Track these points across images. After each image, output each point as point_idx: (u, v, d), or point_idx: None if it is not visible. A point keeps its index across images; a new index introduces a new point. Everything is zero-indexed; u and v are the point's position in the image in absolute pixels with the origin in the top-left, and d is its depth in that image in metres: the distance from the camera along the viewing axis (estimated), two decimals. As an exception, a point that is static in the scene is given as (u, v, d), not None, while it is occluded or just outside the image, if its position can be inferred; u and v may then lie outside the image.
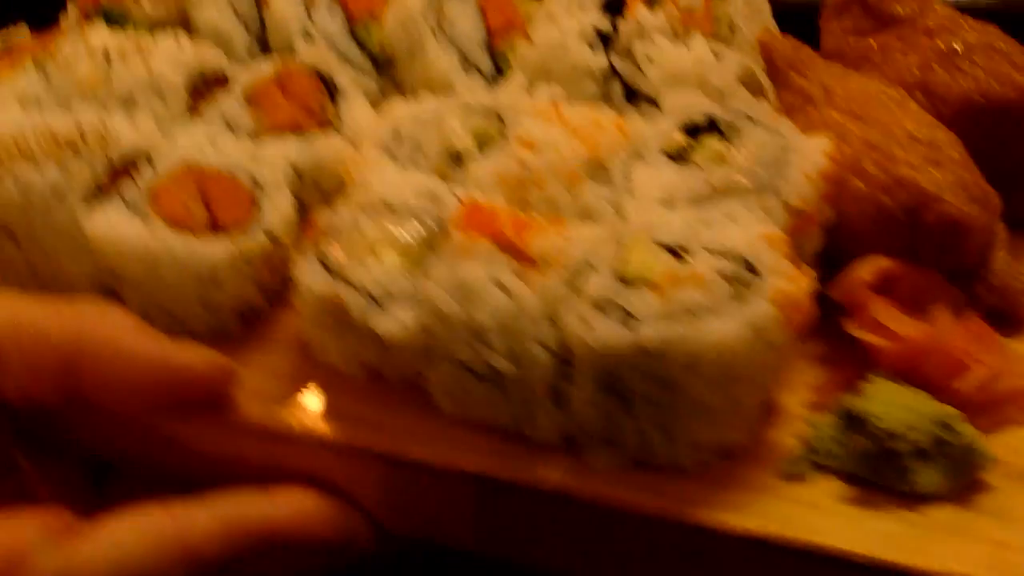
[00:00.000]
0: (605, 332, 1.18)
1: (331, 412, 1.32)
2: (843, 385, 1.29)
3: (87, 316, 1.22)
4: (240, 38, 1.60)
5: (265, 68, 1.52)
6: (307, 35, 1.58)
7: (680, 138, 1.35)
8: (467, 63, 1.52)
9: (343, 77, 1.51)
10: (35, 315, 1.21)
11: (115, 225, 1.35)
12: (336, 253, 1.30)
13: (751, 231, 1.24)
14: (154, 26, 1.62)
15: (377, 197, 1.34)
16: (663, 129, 1.37)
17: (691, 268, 1.21)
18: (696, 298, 1.19)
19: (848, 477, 1.23)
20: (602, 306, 1.20)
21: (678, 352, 1.16)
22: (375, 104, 1.53)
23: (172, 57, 1.49)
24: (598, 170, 1.33)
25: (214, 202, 1.37)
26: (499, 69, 1.52)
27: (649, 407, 1.21)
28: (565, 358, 1.22)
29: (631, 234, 1.26)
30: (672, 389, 1.19)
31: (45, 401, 1.23)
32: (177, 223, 1.35)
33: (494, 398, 1.26)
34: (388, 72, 1.57)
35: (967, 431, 1.20)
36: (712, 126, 1.36)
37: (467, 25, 1.54)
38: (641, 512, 1.21)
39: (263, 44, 1.61)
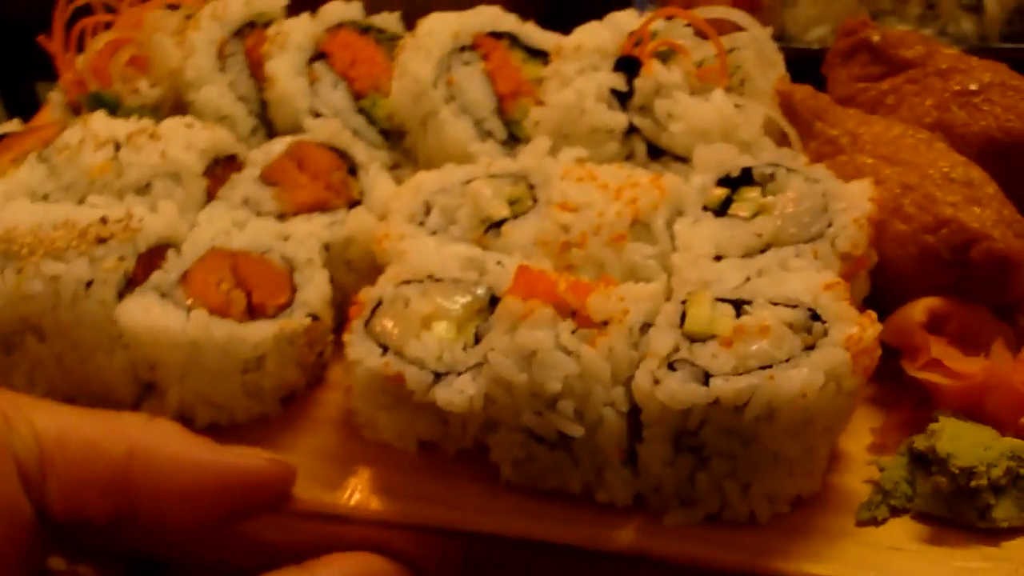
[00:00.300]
0: (679, 389, 1.18)
1: (388, 490, 1.30)
2: (902, 427, 1.30)
3: (137, 427, 1.17)
4: (243, 119, 1.58)
5: (277, 147, 1.51)
6: (314, 112, 1.56)
7: (719, 192, 1.36)
8: (481, 131, 1.51)
9: (360, 151, 1.50)
10: (83, 427, 1.16)
11: (151, 315, 1.32)
12: (388, 329, 1.29)
13: (810, 279, 1.25)
14: (147, 109, 1.60)
15: (422, 270, 1.33)
16: (700, 183, 1.38)
17: (757, 320, 1.21)
18: (767, 349, 1.19)
19: (922, 517, 1.24)
20: (672, 364, 1.20)
21: (756, 403, 1.17)
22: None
23: (185, 141, 1.48)
24: (640, 228, 1.33)
25: (250, 285, 1.35)
26: (512, 135, 1.52)
27: (725, 462, 1.21)
28: (636, 419, 1.22)
29: (689, 290, 1.27)
30: (749, 442, 1.19)
31: (92, 516, 1.18)
32: (215, 309, 1.33)
33: (563, 464, 1.25)
34: (397, 144, 1.56)
35: (1042, 463, 1.21)
36: (747, 178, 1.37)
37: (478, 93, 1.54)
38: (719, 568, 1.21)
39: (265, 123, 1.59)
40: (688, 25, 1.52)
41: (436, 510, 1.28)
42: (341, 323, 1.38)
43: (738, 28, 1.51)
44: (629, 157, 1.47)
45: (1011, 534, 1.21)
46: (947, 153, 1.38)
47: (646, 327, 1.25)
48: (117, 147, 1.47)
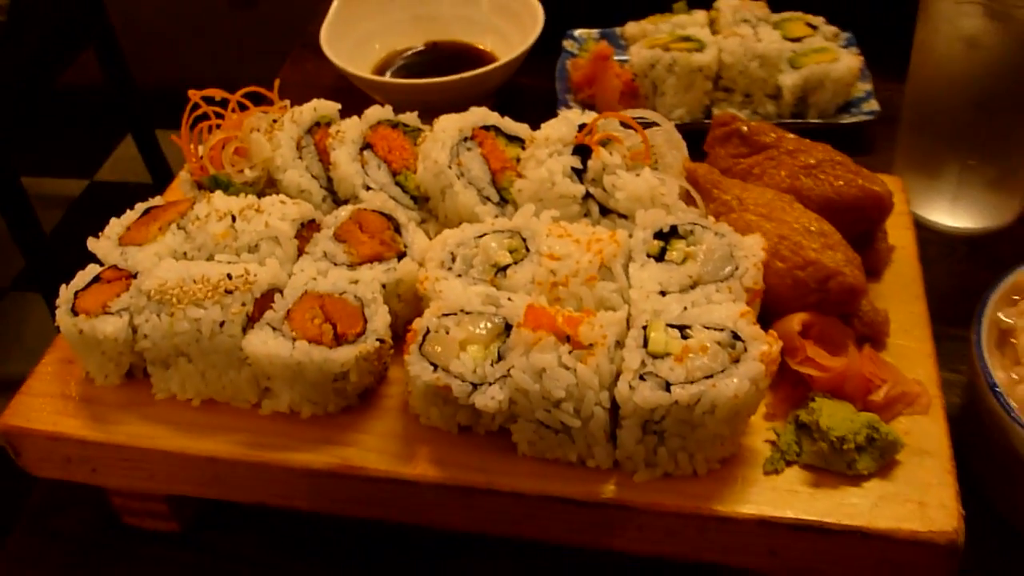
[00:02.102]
0: (649, 395, 0.99)
1: (438, 460, 1.09)
2: (785, 400, 1.12)
3: None
4: (316, 192, 1.33)
5: (343, 213, 1.26)
6: (365, 186, 1.31)
7: (656, 243, 1.15)
8: (482, 197, 1.28)
9: (401, 215, 1.25)
10: None
11: (267, 345, 1.09)
12: (436, 351, 1.06)
13: (729, 309, 1.05)
14: (248, 186, 1.34)
15: (455, 305, 1.10)
16: (642, 237, 1.17)
17: (698, 341, 1.01)
18: (707, 363, 1.01)
19: (807, 467, 1.06)
20: (642, 375, 1.00)
21: (703, 403, 0.99)
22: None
23: (281, 213, 1.23)
24: (604, 270, 1.12)
25: (334, 319, 1.12)
26: (503, 199, 1.29)
27: (678, 440, 1.02)
28: (616, 413, 1.02)
29: (646, 319, 1.06)
30: (696, 427, 1.01)
31: None
32: (312, 338, 1.10)
33: (564, 443, 1.05)
34: (424, 206, 1.32)
35: (887, 429, 1.04)
36: (674, 232, 1.16)
37: (478, 169, 1.30)
38: (674, 510, 1.03)
39: (332, 194, 1.33)
40: (620, 122, 1.28)
41: (473, 475, 1.07)
42: (395, 338, 1.16)
43: (654, 123, 1.28)
44: (586, 215, 1.24)
45: (869, 478, 1.04)
46: (804, 212, 1.18)
47: (617, 344, 1.04)
48: (233, 218, 1.22)
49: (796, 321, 1.11)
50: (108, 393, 1.19)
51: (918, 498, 1.01)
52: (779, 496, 1.03)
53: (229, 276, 1.12)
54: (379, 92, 1.85)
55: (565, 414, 1.01)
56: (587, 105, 1.89)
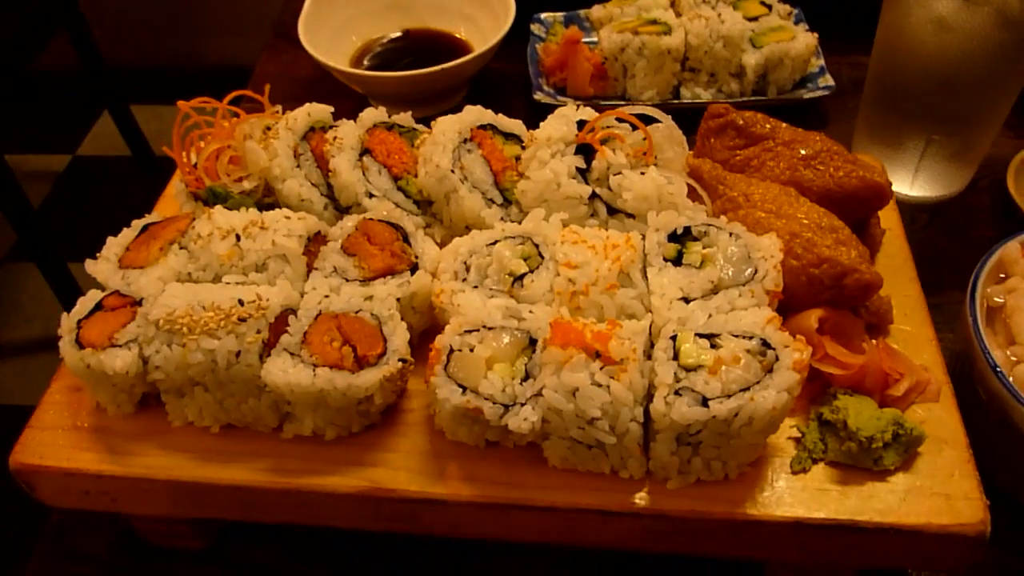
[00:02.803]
0: (687, 412, 0.85)
1: (470, 477, 0.94)
2: (805, 396, 0.99)
3: None
4: (317, 201, 1.13)
5: (349, 224, 1.08)
6: (368, 193, 1.12)
7: (672, 246, 0.99)
8: (486, 199, 1.10)
9: (408, 223, 1.07)
10: None
11: (288, 374, 0.92)
12: (463, 372, 0.90)
13: (756, 315, 0.91)
14: (246, 197, 1.14)
15: (476, 321, 0.94)
16: (657, 239, 1.01)
17: (729, 351, 0.87)
18: (741, 374, 0.86)
19: (832, 464, 0.94)
20: (678, 391, 0.85)
21: (741, 416, 0.85)
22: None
23: (286, 229, 1.04)
24: (623, 277, 0.97)
25: (353, 340, 0.95)
26: (506, 200, 1.12)
27: (713, 450, 0.89)
28: (650, 423, 0.87)
29: (673, 328, 0.91)
30: (732, 438, 0.88)
31: None
32: (332, 364, 0.93)
33: (597, 457, 0.91)
34: (426, 209, 1.15)
35: (911, 424, 0.92)
36: (687, 233, 1.01)
37: (480, 172, 1.13)
38: (709, 516, 0.89)
39: (334, 202, 1.15)
40: (619, 119, 1.11)
41: (505, 491, 0.92)
42: (412, 349, 0.99)
43: (656, 120, 1.12)
44: (593, 215, 1.08)
45: (894, 472, 0.92)
46: (812, 206, 1.04)
47: (645, 352, 0.89)
48: (237, 237, 1.03)
49: (813, 318, 0.97)
50: (122, 422, 1.01)
51: (943, 491, 0.90)
52: (810, 496, 0.91)
53: (240, 302, 0.94)
54: (358, 84, 1.64)
55: (600, 431, 0.87)
56: (559, 89, 1.71)
